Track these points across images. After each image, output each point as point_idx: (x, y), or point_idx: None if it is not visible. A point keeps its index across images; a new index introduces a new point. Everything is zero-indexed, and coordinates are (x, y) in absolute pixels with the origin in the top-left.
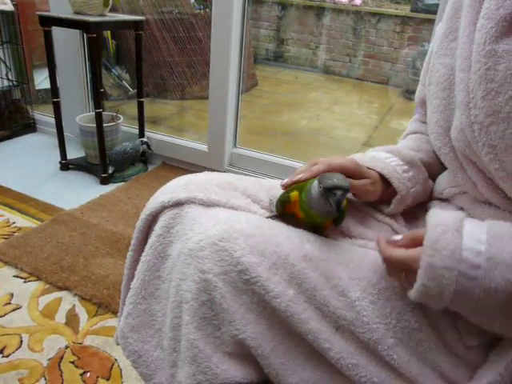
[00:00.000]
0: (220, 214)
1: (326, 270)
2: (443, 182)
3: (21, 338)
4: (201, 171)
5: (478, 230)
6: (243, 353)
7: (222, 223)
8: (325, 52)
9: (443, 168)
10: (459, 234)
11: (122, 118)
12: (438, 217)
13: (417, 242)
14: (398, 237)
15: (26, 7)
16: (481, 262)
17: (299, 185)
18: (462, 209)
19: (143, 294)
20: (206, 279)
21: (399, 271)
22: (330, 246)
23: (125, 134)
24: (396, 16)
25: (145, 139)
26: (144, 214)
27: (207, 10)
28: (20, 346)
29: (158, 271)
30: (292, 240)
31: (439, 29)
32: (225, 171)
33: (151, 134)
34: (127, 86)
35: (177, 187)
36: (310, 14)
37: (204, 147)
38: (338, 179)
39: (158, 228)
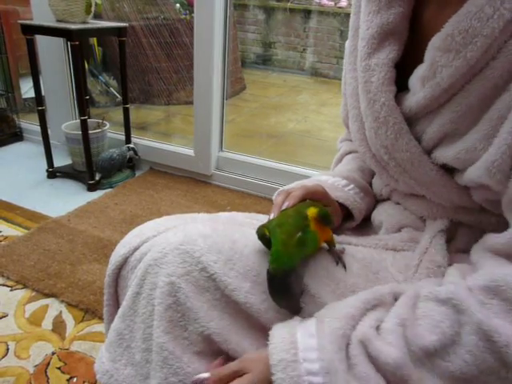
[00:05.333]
0: (175, 229)
1: None
2: (378, 183)
3: (7, 345)
4: (188, 176)
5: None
6: (212, 350)
7: (181, 231)
8: (312, 54)
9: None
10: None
11: (108, 125)
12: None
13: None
14: (205, 375)
15: (9, 16)
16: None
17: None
18: (398, 203)
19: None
20: (170, 282)
21: None
22: None
23: (112, 140)
24: None
25: (131, 145)
26: (109, 269)
27: (193, 15)
28: (6, 354)
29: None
30: (246, 237)
31: (347, 46)
32: (211, 175)
33: (138, 139)
34: (115, 92)
35: (132, 237)
36: (297, 16)
37: (190, 152)
38: None
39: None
